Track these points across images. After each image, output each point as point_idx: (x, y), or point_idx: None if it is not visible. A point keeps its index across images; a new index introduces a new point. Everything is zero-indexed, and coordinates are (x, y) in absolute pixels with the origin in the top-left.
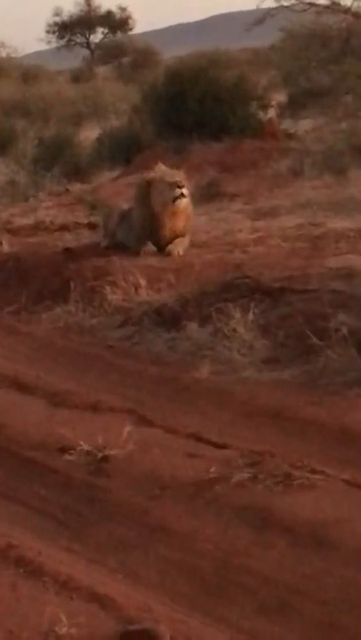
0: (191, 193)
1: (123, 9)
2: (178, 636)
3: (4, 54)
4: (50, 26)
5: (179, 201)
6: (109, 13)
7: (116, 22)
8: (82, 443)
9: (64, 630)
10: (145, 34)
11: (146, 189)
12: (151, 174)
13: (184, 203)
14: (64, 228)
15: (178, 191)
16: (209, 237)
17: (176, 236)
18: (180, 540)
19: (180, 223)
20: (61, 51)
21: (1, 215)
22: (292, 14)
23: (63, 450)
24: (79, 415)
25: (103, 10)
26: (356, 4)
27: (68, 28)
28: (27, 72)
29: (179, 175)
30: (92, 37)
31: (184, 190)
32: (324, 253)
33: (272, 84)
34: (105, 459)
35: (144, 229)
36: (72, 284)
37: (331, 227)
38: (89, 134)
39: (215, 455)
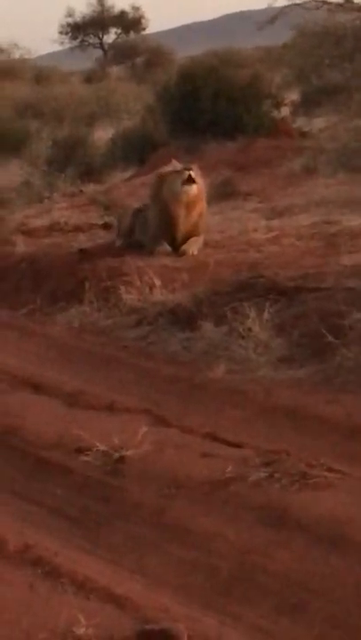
0: (206, 191)
1: (136, 8)
2: (195, 635)
3: (17, 55)
4: (63, 27)
5: (188, 187)
6: (122, 13)
7: (129, 22)
8: (97, 443)
9: (82, 631)
10: (158, 33)
11: (159, 184)
12: (164, 169)
13: (194, 189)
14: (78, 228)
15: (185, 174)
16: (223, 237)
17: (190, 233)
18: (196, 539)
19: (193, 214)
20: (75, 51)
21: (15, 216)
22: (305, 12)
23: (79, 450)
24: (95, 415)
25: (116, 10)
26: None
27: (80, 29)
28: (40, 73)
29: (190, 166)
30: (105, 38)
31: (192, 173)
32: (339, 251)
33: (285, 83)
34: (121, 459)
35: (159, 227)
36: (86, 285)
37: (346, 225)
38: (102, 135)
39: (231, 454)
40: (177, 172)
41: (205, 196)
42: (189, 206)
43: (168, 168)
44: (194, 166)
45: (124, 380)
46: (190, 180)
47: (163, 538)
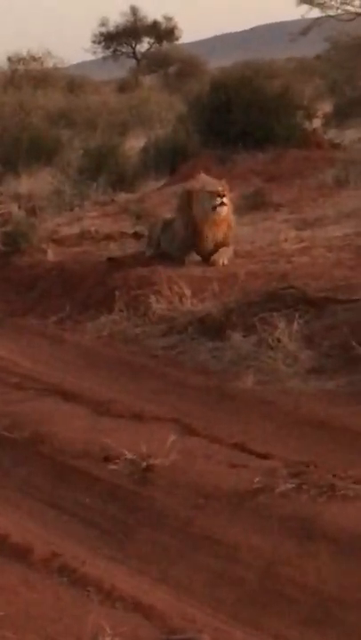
0: (236, 202)
1: (169, 19)
2: None
3: (50, 65)
4: (96, 36)
5: (219, 209)
6: (155, 23)
7: (162, 32)
8: (126, 452)
9: (107, 639)
10: (190, 44)
11: (187, 199)
12: (192, 184)
13: (225, 211)
14: (109, 237)
15: (218, 200)
16: (254, 247)
17: (217, 246)
18: (223, 549)
19: (220, 233)
20: (107, 61)
21: (47, 225)
22: (338, 24)
23: (107, 459)
24: (123, 424)
25: (149, 20)
26: None
27: (114, 39)
28: (73, 82)
29: (220, 184)
30: (137, 47)
31: (225, 199)
32: None
33: (318, 94)
34: (149, 468)
35: (186, 239)
36: (117, 294)
37: None
38: (134, 144)
39: (259, 465)
40: (208, 193)
41: (233, 208)
42: (217, 223)
43: (197, 183)
44: (224, 185)
45: (153, 388)
46: (222, 205)
47: (190, 547)
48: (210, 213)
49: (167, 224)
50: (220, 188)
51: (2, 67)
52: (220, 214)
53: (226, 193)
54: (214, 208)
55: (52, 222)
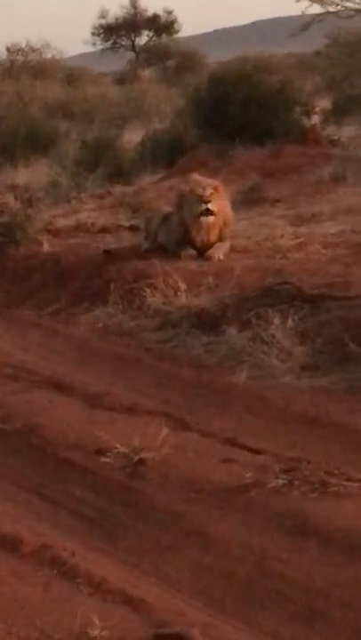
0: (233, 197)
1: (169, 12)
2: None
3: (49, 56)
4: (95, 28)
5: (204, 218)
6: (155, 16)
7: (162, 25)
8: (118, 445)
9: (96, 632)
10: (190, 37)
11: (180, 200)
12: (185, 186)
13: (210, 220)
14: (105, 229)
15: (203, 206)
16: (250, 242)
17: (212, 245)
18: (214, 544)
19: (210, 236)
20: (106, 53)
21: (43, 216)
22: (338, 20)
23: (99, 451)
24: (116, 417)
25: (149, 13)
26: None
27: (113, 31)
28: (71, 74)
29: (212, 187)
30: (137, 40)
31: (210, 205)
32: None
33: (316, 90)
34: (141, 461)
35: (180, 236)
36: (112, 286)
37: None
38: (132, 137)
39: (251, 460)
40: (196, 198)
41: (230, 204)
42: (206, 229)
43: (188, 184)
44: (217, 186)
45: (147, 382)
46: (208, 212)
47: (181, 542)
48: (196, 219)
49: (165, 218)
50: (206, 193)
51: (0, 57)
52: (204, 223)
53: (215, 197)
54: (200, 215)
55: (49, 214)
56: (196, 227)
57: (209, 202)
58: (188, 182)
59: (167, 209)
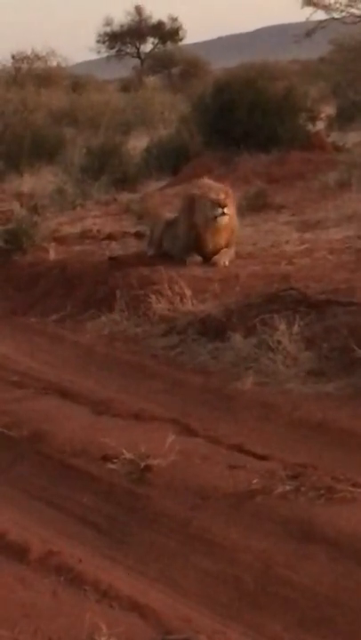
0: (238, 204)
1: (173, 19)
2: None
3: (54, 63)
4: (100, 35)
5: (220, 219)
6: (160, 24)
7: (167, 33)
8: (124, 451)
9: (103, 639)
10: (195, 44)
11: (190, 204)
12: (196, 190)
13: (226, 220)
14: (111, 236)
15: (220, 210)
16: (255, 248)
17: (219, 250)
18: (221, 550)
19: (222, 239)
20: (111, 60)
21: (48, 223)
22: (343, 27)
23: (106, 458)
24: (122, 423)
25: (154, 20)
26: None
27: (118, 38)
28: (76, 81)
29: (223, 191)
30: (142, 47)
31: (226, 209)
32: None
33: (321, 96)
34: (147, 468)
35: (188, 242)
36: (117, 293)
37: None
38: (137, 144)
39: (257, 467)
40: (210, 201)
41: (236, 211)
42: (219, 231)
43: (200, 189)
44: (227, 191)
45: (153, 388)
46: (223, 215)
47: (188, 548)
48: (211, 222)
49: (170, 224)
50: (222, 197)
51: (6, 65)
52: (221, 223)
53: (229, 202)
54: (215, 218)
55: (54, 221)
56: (211, 229)
57: (225, 206)
58: (199, 187)
59: (169, 215)
